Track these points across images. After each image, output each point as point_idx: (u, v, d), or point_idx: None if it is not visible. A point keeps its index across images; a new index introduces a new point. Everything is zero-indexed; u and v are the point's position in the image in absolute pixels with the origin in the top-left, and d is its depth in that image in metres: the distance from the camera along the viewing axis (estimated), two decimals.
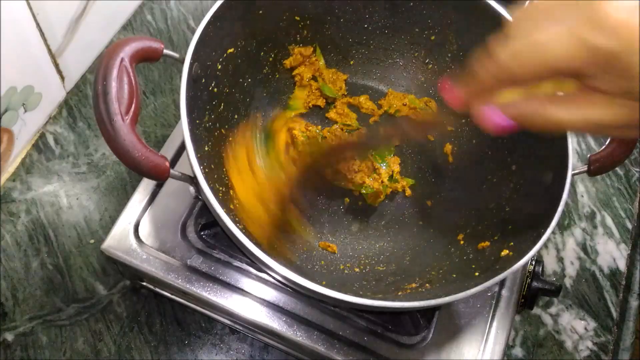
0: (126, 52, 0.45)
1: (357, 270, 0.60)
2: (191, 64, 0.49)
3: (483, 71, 0.35)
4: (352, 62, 0.69)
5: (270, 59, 0.64)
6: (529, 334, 0.69)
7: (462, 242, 0.59)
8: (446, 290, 0.48)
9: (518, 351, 0.68)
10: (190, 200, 0.59)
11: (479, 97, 0.37)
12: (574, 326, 0.70)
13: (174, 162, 0.61)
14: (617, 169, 0.80)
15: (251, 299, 0.56)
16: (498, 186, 0.61)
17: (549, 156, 0.55)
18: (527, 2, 0.35)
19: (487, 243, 0.56)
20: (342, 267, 0.60)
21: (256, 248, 0.44)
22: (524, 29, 0.33)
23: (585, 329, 0.70)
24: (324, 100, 0.67)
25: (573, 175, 0.52)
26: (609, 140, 0.55)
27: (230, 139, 0.58)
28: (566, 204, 0.73)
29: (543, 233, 0.48)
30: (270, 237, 0.54)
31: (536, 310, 0.70)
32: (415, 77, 0.69)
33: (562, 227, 0.76)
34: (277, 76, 0.66)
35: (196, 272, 0.56)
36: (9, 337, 0.62)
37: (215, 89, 0.56)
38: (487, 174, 0.63)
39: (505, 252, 0.52)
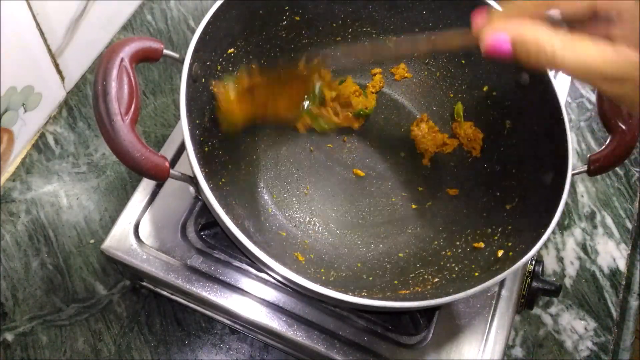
0: (126, 52, 0.45)
1: (356, 269, 0.60)
2: (191, 64, 0.49)
3: None
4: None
5: (270, 60, 0.64)
6: (529, 334, 0.69)
7: (461, 242, 0.59)
8: (446, 290, 0.48)
9: (518, 351, 0.68)
10: (190, 200, 0.59)
11: (500, 20, 0.40)
12: (574, 326, 0.70)
13: (174, 162, 0.61)
14: (617, 169, 0.80)
15: (251, 299, 0.56)
16: (498, 186, 0.61)
17: (549, 156, 0.55)
18: None
19: (485, 244, 0.56)
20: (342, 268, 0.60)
21: (256, 248, 0.44)
22: None
23: (585, 329, 0.70)
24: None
25: (573, 175, 0.52)
26: (609, 140, 0.55)
27: None
28: (566, 204, 0.74)
29: (543, 233, 0.48)
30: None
31: (536, 310, 0.70)
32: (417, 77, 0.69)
33: (562, 227, 0.76)
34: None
35: (196, 272, 0.56)
36: (9, 337, 0.62)
37: (215, 89, 0.56)
38: (488, 173, 0.63)
39: (504, 252, 0.52)
